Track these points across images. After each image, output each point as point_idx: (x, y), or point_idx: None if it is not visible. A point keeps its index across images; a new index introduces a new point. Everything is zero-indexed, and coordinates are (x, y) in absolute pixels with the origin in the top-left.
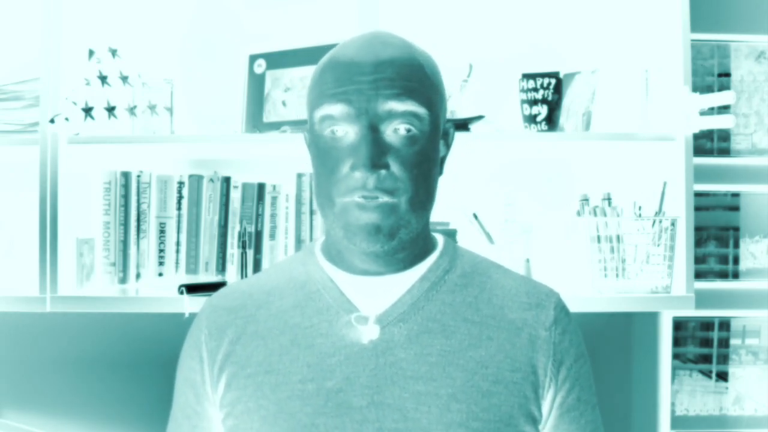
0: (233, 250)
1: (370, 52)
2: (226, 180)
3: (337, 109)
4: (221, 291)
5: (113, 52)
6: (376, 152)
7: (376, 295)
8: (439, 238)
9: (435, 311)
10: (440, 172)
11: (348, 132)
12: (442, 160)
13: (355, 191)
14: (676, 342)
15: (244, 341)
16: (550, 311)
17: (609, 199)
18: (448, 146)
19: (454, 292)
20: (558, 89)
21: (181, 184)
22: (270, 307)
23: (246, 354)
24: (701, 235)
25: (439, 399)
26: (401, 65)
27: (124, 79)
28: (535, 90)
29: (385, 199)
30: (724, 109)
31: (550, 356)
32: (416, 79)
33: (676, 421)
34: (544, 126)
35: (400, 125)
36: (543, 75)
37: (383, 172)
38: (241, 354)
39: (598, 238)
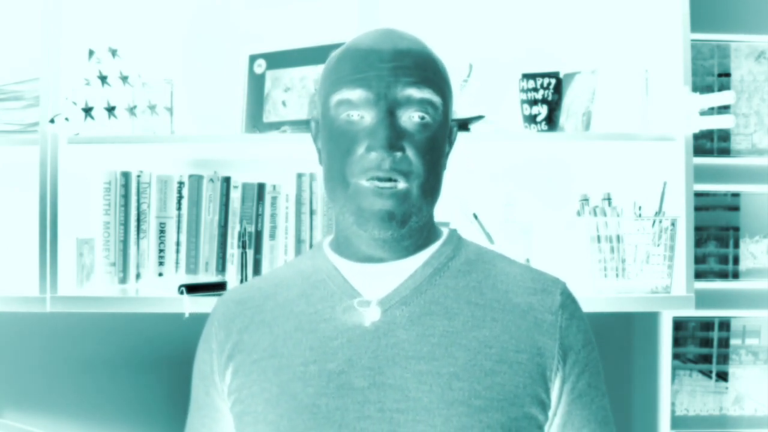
0: (233, 250)
1: (388, 42)
2: (226, 180)
3: (356, 93)
4: (234, 287)
5: (113, 52)
6: (394, 135)
7: (380, 280)
8: (444, 229)
9: (438, 295)
10: (445, 166)
11: (364, 116)
12: (446, 155)
13: (369, 171)
14: (676, 342)
15: (251, 330)
16: (556, 296)
17: (609, 199)
18: (450, 144)
19: (457, 278)
20: (558, 89)
21: (181, 184)
22: (277, 298)
23: (252, 342)
24: (701, 235)
25: (440, 378)
26: (418, 56)
27: (124, 79)
28: (535, 90)
29: (399, 184)
30: (724, 109)
31: (557, 340)
32: (431, 70)
33: (676, 421)
34: (544, 126)
35: (415, 112)
36: (543, 75)
37: (399, 154)
38: (248, 342)
39: (598, 238)
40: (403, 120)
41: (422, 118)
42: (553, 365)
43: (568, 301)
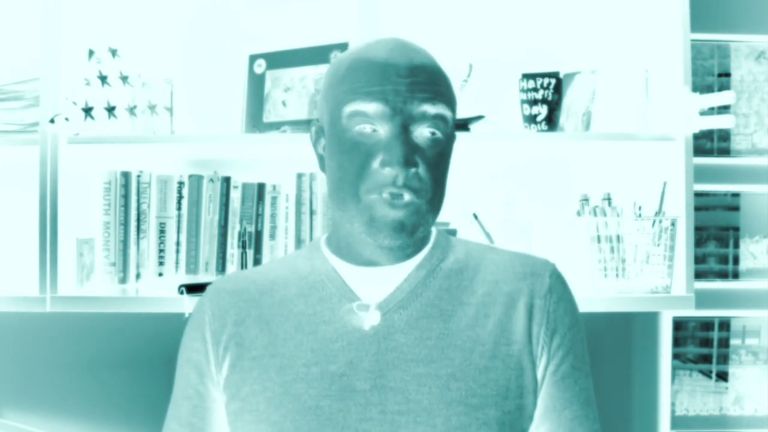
0: (233, 250)
1: (404, 56)
2: (226, 180)
3: (372, 107)
4: (224, 276)
5: (113, 52)
6: (409, 151)
7: (376, 284)
8: (433, 231)
9: (433, 297)
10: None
11: (378, 130)
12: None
13: (384, 187)
14: (676, 342)
15: (247, 324)
16: (545, 279)
17: (609, 199)
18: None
19: (449, 278)
20: (558, 89)
21: (181, 184)
22: (274, 295)
23: (250, 337)
24: (701, 235)
25: (439, 380)
26: (432, 71)
27: (124, 79)
28: (535, 90)
29: (410, 198)
30: (724, 109)
31: (543, 324)
32: (444, 85)
33: (676, 421)
34: (544, 126)
35: (427, 128)
36: (543, 75)
37: (412, 170)
38: (245, 336)
39: (598, 238)
40: (416, 135)
41: (433, 133)
42: (538, 349)
43: (557, 283)
